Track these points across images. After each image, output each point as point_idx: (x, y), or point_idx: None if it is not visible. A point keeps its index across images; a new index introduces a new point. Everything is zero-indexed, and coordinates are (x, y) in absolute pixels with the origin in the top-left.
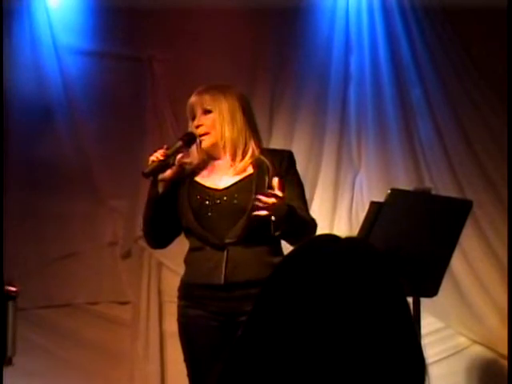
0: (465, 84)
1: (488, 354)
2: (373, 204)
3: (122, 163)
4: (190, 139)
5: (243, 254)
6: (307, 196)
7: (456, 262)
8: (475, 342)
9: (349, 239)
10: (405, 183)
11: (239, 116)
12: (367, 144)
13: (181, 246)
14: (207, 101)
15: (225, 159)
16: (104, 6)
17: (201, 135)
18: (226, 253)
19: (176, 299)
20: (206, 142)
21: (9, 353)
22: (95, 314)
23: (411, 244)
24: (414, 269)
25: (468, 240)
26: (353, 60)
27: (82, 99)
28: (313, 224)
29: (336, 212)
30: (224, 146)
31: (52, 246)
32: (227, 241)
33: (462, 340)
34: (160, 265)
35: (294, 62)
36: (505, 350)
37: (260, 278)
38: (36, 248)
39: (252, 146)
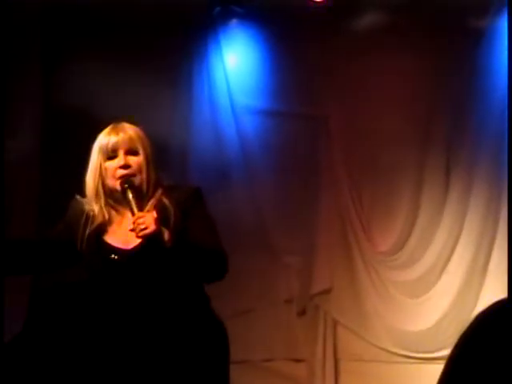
0: None
1: None
2: None
3: (296, 220)
4: (130, 183)
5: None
6: (484, 252)
7: None
8: None
9: None
10: None
11: (155, 159)
12: None
13: (357, 306)
14: (134, 140)
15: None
16: (279, 67)
17: (128, 176)
18: None
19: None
20: (134, 184)
21: None
22: (270, 371)
23: None
24: None
25: None
26: None
27: (258, 157)
28: (214, 255)
29: None
30: (148, 191)
31: (228, 302)
32: None
33: None
34: (335, 323)
35: (470, 116)
36: None
37: None
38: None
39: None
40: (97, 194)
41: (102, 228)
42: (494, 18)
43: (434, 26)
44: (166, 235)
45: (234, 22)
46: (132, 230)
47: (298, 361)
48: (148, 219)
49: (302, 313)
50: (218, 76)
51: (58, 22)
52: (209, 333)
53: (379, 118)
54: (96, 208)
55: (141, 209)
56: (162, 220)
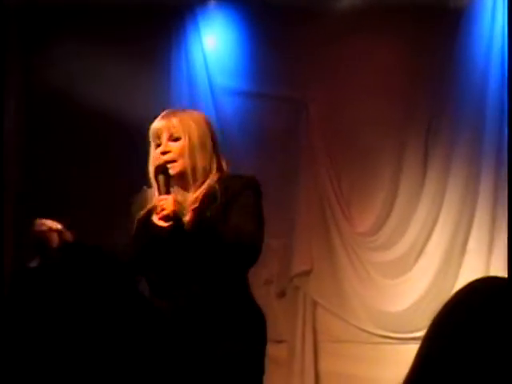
0: None
1: None
2: None
3: (276, 202)
4: (164, 169)
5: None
6: (463, 232)
7: None
8: None
9: None
10: None
11: (209, 142)
12: None
13: (336, 287)
14: (176, 126)
15: (191, 190)
16: (258, 48)
17: (167, 162)
18: None
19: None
20: (173, 170)
21: None
22: None
23: None
24: None
25: None
26: (509, 97)
27: (237, 139)
28: (236, 242)
29: (493, 251)
30: (194, 175)
31: None
32: None
33: None
34: (315, 304)
35: (449, 97)
36: None
37: None
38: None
39: (213, 173)
40: (152, 180)
41: (153, 211)
42: None
43: (414, 7)
44: (188, 217)
45: (213, 2)
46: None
47: (277, 342)
48: (168, 201)
49: (281, 294)
50: (197, 57)
51: (36, 7)
52: (246, 320)
53: (359, 100)
54: (153, 193)
55: (189, 193)
56: (208, 206)
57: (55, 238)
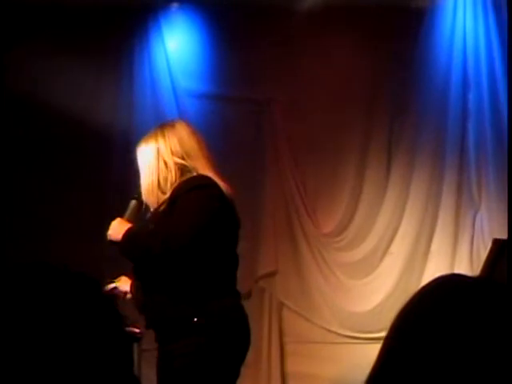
0: None
1: None
2: (496, 242)
3: (241, 203)
4: (138, 196)
5: (148, 302)
6: (426, 233)
7: None
8: None
9: (482, 280)
10: None
11: (154, 162)
12: (487, 181)
13: (302, 288)
14: (138, 158)
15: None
16: (222, 50)
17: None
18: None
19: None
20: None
21: None
22: None
23: None
24: None
25: None
26: (471, 97)
27: None
28: (151, 250)
29: (456, 251)
30: (151, 197)
31: None
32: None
33: None
34: (281, 305)
35: (411, 98)
36: None
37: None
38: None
39: (167, 187)
40: None
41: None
42: None
43: (375, 8)
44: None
45: (175, 5)
46: None
47: None
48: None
49: (247, 296)
50: (160, 60)
51: None
52: (228, 328)
53: (322, 101)
54: None
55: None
56: (153, 217)
57: (119, 292)
